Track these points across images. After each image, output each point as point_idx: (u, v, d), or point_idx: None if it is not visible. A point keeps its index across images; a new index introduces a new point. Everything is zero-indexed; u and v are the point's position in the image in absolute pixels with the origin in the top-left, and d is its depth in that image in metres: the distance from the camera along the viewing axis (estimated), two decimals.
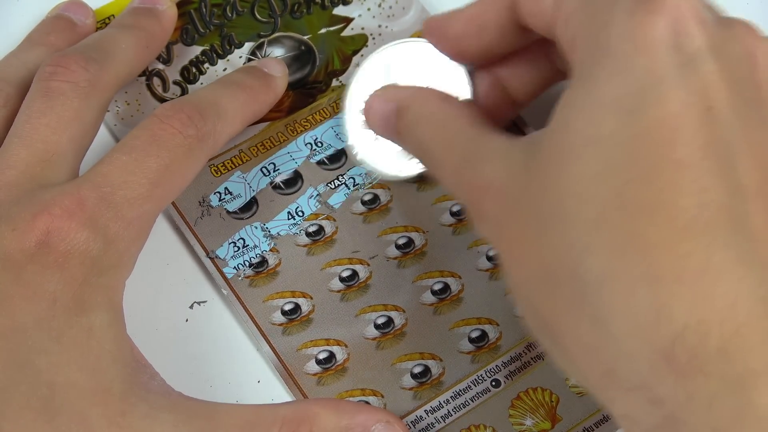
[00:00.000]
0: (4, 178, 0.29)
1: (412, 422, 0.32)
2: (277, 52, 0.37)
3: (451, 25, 0.31)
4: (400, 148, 0.32)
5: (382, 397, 0.32)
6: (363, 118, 0.32)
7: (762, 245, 0.22)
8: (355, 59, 0.37)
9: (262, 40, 0.37)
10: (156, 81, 0.37)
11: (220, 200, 0.34)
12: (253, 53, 0.37)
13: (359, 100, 0.32)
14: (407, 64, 0.33)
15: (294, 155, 0.35)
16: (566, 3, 0.26)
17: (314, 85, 0.37)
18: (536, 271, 0.24)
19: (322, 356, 0.32)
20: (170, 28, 0.36)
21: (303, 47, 0.37)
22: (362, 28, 0.38)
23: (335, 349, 0.32)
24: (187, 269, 0.34)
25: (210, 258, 0.33)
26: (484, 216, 0.26)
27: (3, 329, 0.26)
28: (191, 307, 0.33)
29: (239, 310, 0.33)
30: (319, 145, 0.36)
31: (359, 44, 0.37)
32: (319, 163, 0.35)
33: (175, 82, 0.37)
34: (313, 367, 0.32)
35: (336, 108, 0.36)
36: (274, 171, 0.35)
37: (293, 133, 0.36)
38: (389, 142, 0.32)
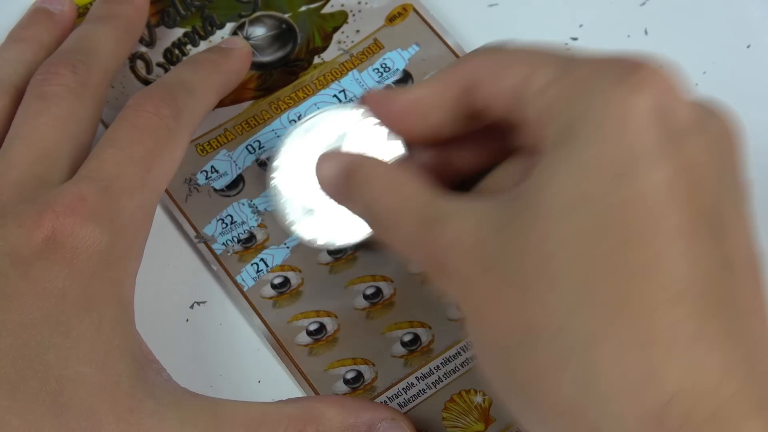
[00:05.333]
0: (8, 177, 0.29)
1: (403, 389, 0.32)
2: (258, 31, 0.38)
3: (393, 104, 0.29)
4: (347, 216, 0.29)
5: (373, 365, 0.32)
6: (293, 193, 0.31)
7: (749, 319, 0.22)
8: (336, 36, 0.37)
9: (243, 20, 0.38)
10: (139, 63, 0.37)
11: (206, 179, 0.35)
12: (234, 33, 0.38)
13: (292, 175, 0.31)
14: (340, 130, 0.31)
15: (278, 132, 0.36)
16: (538, 78, 0.25)
17: (296, 62, 0.37)
18: (515, 330, 0.23)
19: (312, 327, 0.33)
20: (145, 7, 0.36)
21: (284, 26, 0.38)
22: (342, 5, 0.38)
23: (326, 320, 0.33)
24: (187, 269, 0.34)
25: (200, 240, 0.34)
26: (450, 274, 0.25)
27: (12, 325, 0.27)
28: (192, 307, 0.34)
29: (229, 285, 0.33)
30: None
31: (339, 21, 0.38)
32: None
33: (159, 64, 0.37)
34: (304, 338, 0.33)
35: (318, 85, 0.37)
36: (259, 148, 0.35)
37: (277, 110, 0.36)
38: (333, 212, 0.30)
